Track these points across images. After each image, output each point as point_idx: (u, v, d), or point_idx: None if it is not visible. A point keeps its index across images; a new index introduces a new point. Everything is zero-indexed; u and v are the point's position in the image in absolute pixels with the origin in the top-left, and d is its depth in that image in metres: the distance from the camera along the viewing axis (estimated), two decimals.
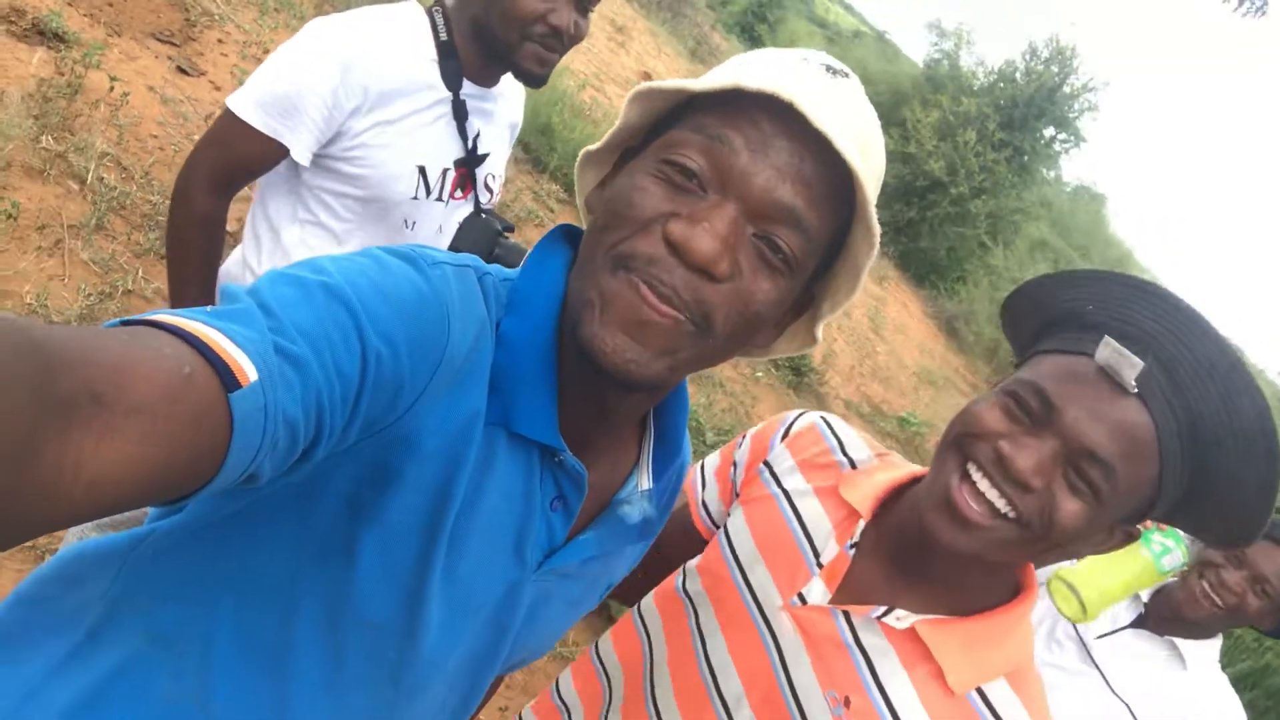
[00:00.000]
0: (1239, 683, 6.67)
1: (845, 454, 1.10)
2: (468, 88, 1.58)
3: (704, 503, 1.22)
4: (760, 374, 6.37)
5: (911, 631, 0.92)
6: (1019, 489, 0.83)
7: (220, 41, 4.63)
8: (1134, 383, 0.81)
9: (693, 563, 1.11)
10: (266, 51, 4.81)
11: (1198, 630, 1.81)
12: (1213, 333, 0.82)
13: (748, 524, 1.08)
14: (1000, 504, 0.84)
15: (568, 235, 0.80)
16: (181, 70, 4.19)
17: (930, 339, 11.22)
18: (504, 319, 0.72)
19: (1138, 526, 0.90)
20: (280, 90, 1.42)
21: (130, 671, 0.70)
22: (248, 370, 0.48)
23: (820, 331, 0.82)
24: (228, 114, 1.46)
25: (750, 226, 0.66)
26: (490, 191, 1.73)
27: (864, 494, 1.02)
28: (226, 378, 0.47)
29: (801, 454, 1.11)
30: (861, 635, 0.94)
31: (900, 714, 0.89)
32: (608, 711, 1.11)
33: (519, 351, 0.71)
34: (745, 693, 0.98)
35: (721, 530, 1.10)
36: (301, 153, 1.46)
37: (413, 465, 0.66)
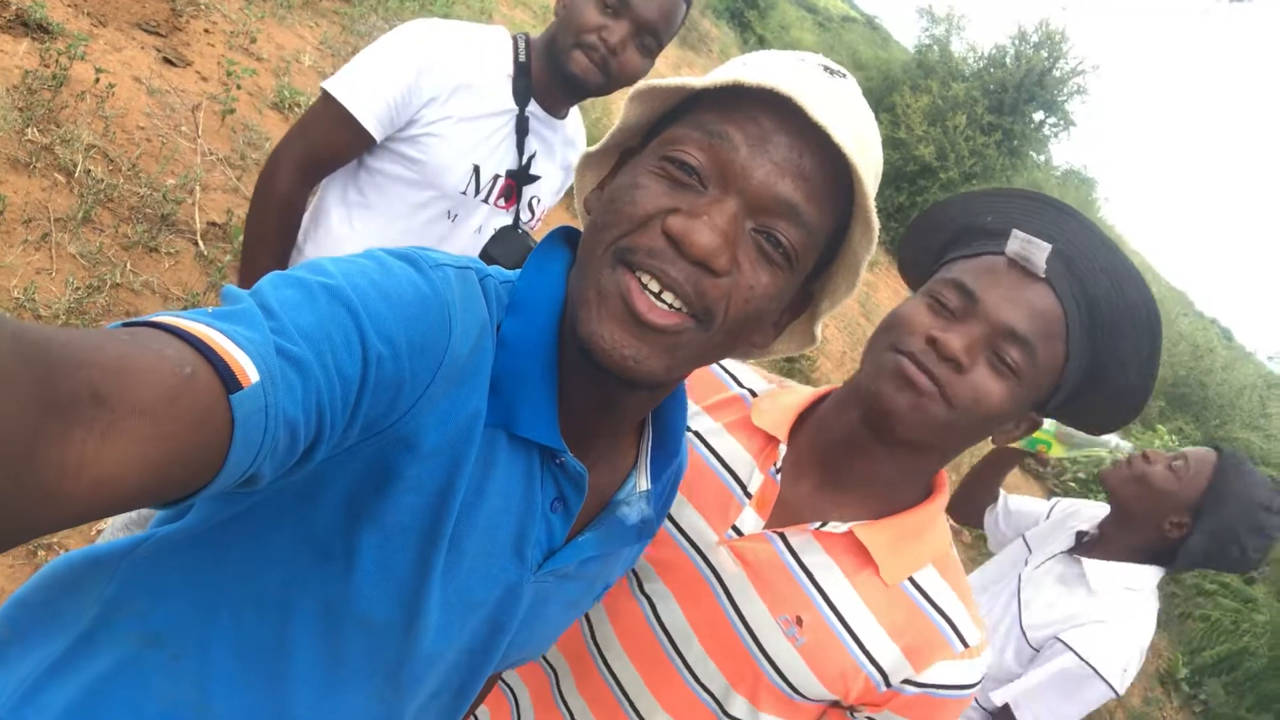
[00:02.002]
0: (1217, 665, 6.77)
1: (742, 386, 1.14)
2: (533, 107, 1.71)
3: None
4: (751, 362, 6.38)
5: (849, 537, 0.99)
6: (952, 368, 0.91)
7: (207, 31, 4.59)
8: (1044, 265, 0.91)
9: None
10: (254, 41, 4.77)
11: (1119, 531, 1.90)
12: (1099, 233, 0.94)
13: None
14: (935, 385, 0.91)
15: (567, 237, 0.80)
16: (168, 61, 4.15)
17: None
18: (505, 320, 0.72)
19: (1039, 417, 1.00)
20: (369, 75, 1.57)
21: (127, 673, 0.70)
22: (249, 371, 0.48)
23: (820, 330, 0.83)
24: (324, 96, 1.59)
25: (750, 221, 0.67)
26: (532, 213, 1.83)
27: (776, 419, 1.06)
28: (228, 379, 0.47)
29: (704, 399, 1.14)
30: (801, 555, 1.00)
31: (847, 618, 0.97)
32: (559, 689, 1.12)
33: (520, 353, 0.71)
34: (694, 631, 1.01)
35: None
36: (375, 128, 1.58)
37: (413, 466, 0.66)
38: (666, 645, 1.03)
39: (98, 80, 3.51)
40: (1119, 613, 1.80)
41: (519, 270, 0.77)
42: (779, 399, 1.10)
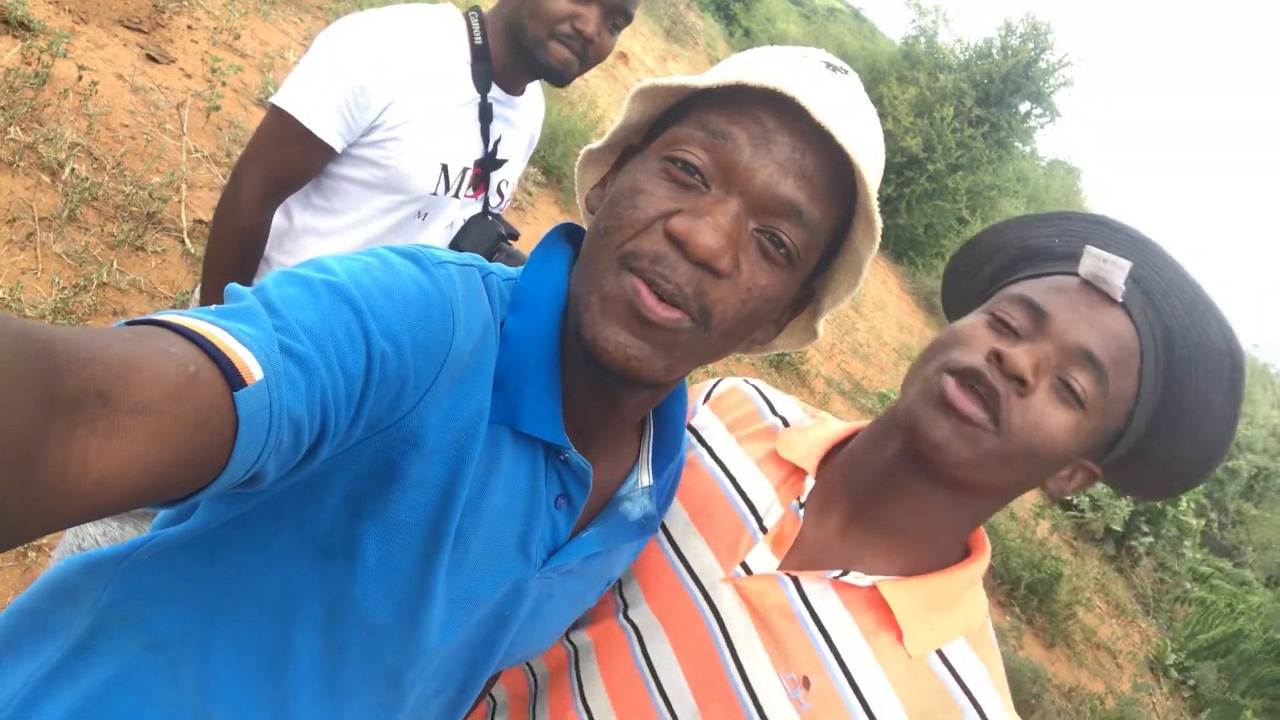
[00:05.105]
0: (1211, 648, 6.84)
1: (776, 413, 1.05)
2: (495, 92, 1.63)
3: None
4: (747, 358, 6.38)
5: (872, 594, 0.87)
6: (1016, 386, 0.80)
7: (190, 28, 4.55)
8: (1122, 286, 0.81)
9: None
10: (238, 37, 4.73)
11: None
12: (1174, 260, 0.85)
13: (677, 495, 0.98)
14: (985, 411, 0.81)
15: (568, 234, 0.80)
16: (151, 58, 4.11)
17: (909, 315, 11.30)
18: (508, 318, 0.73)
19: (1097, 468, 0.88)
20: (320, 85, 1.46)
21: (127, 679, 0.69)
22: (253, 369, 0.48)
23: (821, 327, 0.83)
24: (275, 113, 1.48)
25: (753, 221, 0.67)
26: (501, 196, 1.77)
27: (806, 451, 0.97)
28: (232, 376, 0.47)
29: (728, 415, 1.05)
30: (815, 605, 0.87)
31: (862, 688, 0.83)
32: (534, 707, 1.03)
33: (523, 350, 0.71)
34: (688, 684, 0.89)
35: None
36: (336, 140, 1.49)
37: (416, 464, 0.65)
38: (655, 694, 0.91)
39: (80, 78, 3.48)
40: None
41: (521, 268, 0.77)
42: (809, 432, 1.00)
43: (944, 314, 1.04)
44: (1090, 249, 0.83)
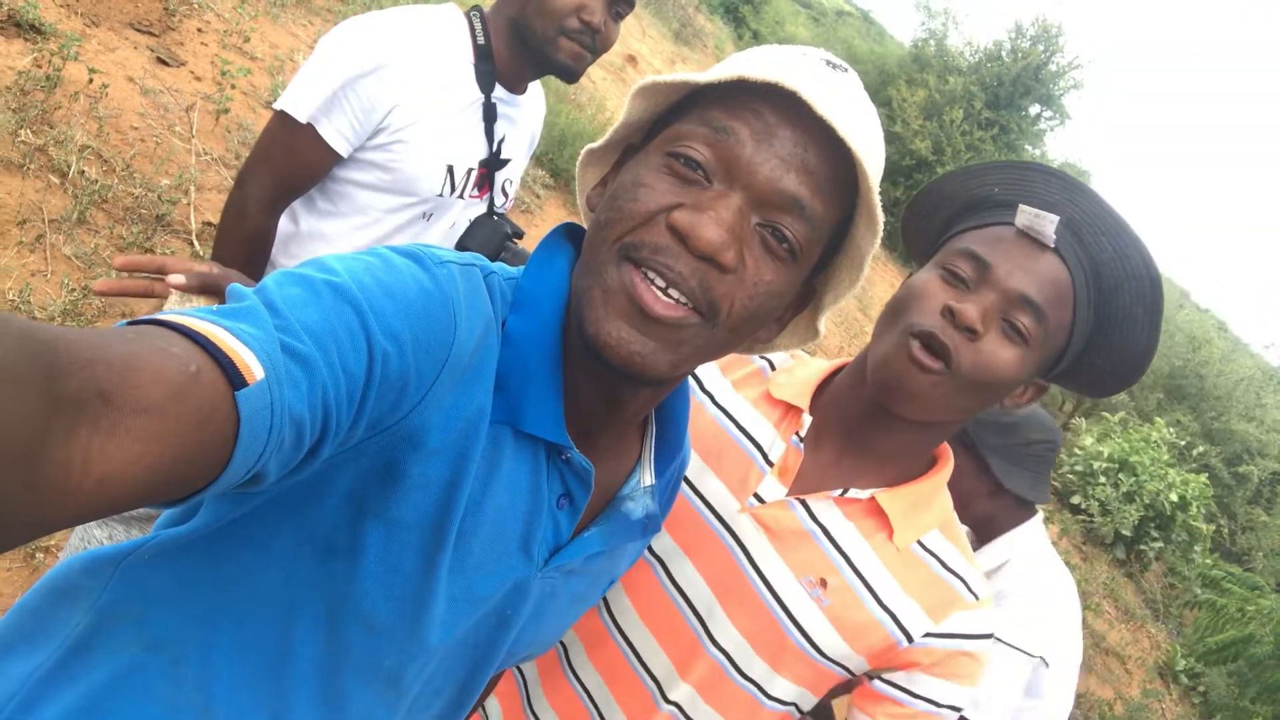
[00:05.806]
0: (1221, 653, 6.78)
1: (763, 356, 1.17)
2: (498, 91, 1.63)
3: None
4: None
5: (870, 503, 1.03)
6: (968, 336, 0.93)
7: (200, 31, 4.57)
8: (1054, 236, 0.94)
9: None
10: (247, 40, 4.75)
11: None
12: (1101, 199, 0.97)
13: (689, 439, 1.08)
14: (942, 360, 0.94)
15: (570, 233, 0.80)
16: (161, 61, 4.13)
17: None
18: (509, 317, 0.72)
19: (1045, 383, 1.04)
20: (325, 89, 1.45)
21: (129, 680, 0.69)
22: (254, 369, 0.48)
23: (823, 325, 0.82)
24: (280, 118, 1.48)
25: (755, 216, 0.67)
26: (505, 195, 1.77)
27: (796, 391, 1.09)
28: (233, 376, 0.47)
29: (728, 368, 1.16)
30: (823, 520, 1.03)
31: (869, 579, 1.01)
32: (569, 662, 1.11)
33: (525, 349, 0.71)
34: (717, 599, 1.03)
35: None
36: (342, 145, 1.50)
37: (418, 463, 0.65)
38: (686, 611, 1.03)
39: (91, 80, 3.50)
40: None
41: (522, 268, 0.77)
42: (795, 372, 1.13)
43: (907, 252, 1.17)
44: (1023, 207, 0.96)
